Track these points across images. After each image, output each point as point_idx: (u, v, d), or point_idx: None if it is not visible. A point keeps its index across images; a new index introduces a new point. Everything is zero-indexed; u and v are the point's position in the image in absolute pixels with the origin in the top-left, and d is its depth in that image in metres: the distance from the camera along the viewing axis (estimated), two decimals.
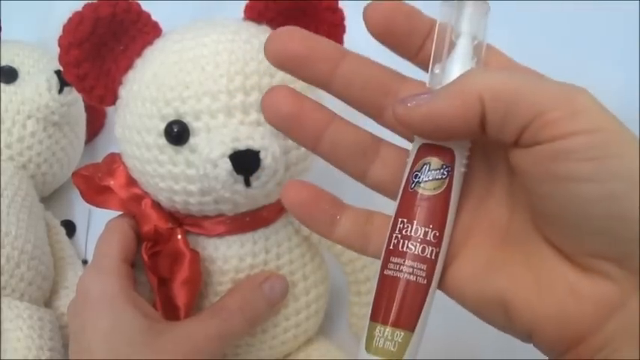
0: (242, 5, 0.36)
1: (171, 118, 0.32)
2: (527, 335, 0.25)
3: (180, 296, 0.35)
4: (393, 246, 0.25)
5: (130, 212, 0.37)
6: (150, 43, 0.35)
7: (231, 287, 0.37)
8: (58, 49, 0.33)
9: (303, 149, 0.35)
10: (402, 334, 0.24)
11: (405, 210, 0.25)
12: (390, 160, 0.27)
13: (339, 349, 0.43)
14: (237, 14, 0.36)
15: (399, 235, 0.25)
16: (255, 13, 0.35)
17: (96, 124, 0.55)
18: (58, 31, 0.32)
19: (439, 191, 0.25)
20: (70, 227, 0.51)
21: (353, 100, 0.27)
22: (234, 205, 0.34)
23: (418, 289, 0.25)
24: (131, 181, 0.36)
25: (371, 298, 0.25)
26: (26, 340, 0.38)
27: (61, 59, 0.32)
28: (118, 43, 0.34)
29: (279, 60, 0.26)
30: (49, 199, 0.51)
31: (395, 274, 0.25)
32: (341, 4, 0.36)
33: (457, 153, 0.25)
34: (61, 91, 0.46)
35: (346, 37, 0.37)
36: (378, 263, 0.26)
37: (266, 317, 0.38)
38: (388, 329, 0.24)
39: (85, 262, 0.49)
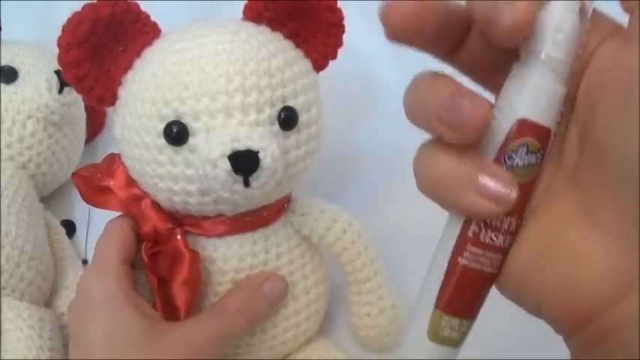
0: (241, 5, 0.36)
1: (171, 119, 0.32)
2: (536, 307, 0.23)
3: (180, 296, 0.35)
4: (473, 234, 0.23)
5: (130, 213, 0.37)
6: (149, 43, 0.34)
7: (231, 288, 0.37)
8: (57, 50, 0.33)
9: (302, 149, 0.35)
10: (468, 323, 0.24)
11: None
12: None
13: (339, 349, 0.43)
14: (237, 14, 0.36)
15: (482, 223, 0.22)
16: (254, 13, 0.35)
17: (96, 124, 0.55)
18: (57, 31, 0.32)
19: (530, 178, 0.22)
20: (70, 227, 0.51)
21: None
22: (233, 205, 0.34)
23: (490, 279, 0.23)
24: (131, 182, 0.36)
25: (433, 283, 0.23)
26: (26, 340, 0.38)
27: (60, 60, 0.32)
28: (117, 43, 0.34)
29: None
30: (49, 199, 0.52)
31: (471, 265, 0.23)
32: (340, 4, 0.36)
33: (552, 132, 0.22)
34: (61, 91, 0.46)
35: (346, 37, 0.37)
36: (449, 247, 0.23)
37: (266, 317, 0.38)
38: (456, 320, 0.23)
39: (85, 262, 0.49)
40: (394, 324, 0.41)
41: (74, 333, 0.34)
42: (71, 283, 0.45)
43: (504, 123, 0.22)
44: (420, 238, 0.50)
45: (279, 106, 0.33)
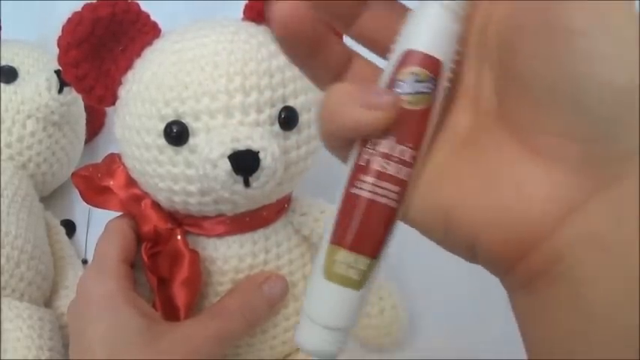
0: (241, 5, 0.36)
1: (171, 119, 0.32)
2: (468, 248, 0.22)
3: (180, 296, 0.35)
4: (365, 162, 0.22)
5: (130, 212, 0.37)
6: (149, 43, 0.34)
7: (231, 288, 0.37)
8: (57, 49, 0.33)
9: (303, 149, 0.35)
10: (367, 261, 0.22)
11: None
12: (381, 15, 0.24)
13: None
14: (237, 14, 0.36)
15: (373, 151, 0.22)
16: (254, 14, 0.35)
17: (96, 123, 0.55)
18: (57, 31, 0.32)
19: (422, 107, 0.22)
20: (69, 227, 0.51)
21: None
22: (233, 205, 0.34)
23: (388, 213, 0.22)
24: (131, 182, 0.36)
25: (331, 218, 0.23)
26: (26, 340, 0.38)
27: (60, 59, 0.32)
28: (118, 43, 0.34)
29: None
30: (49, 198, 0.52)
31: (365, 195, 0.22)
32: None
33: (445, 65, 0.22)
34: (60, 90, 0.46)
35: (345, 37, 0.37)
36: (344, 179, 0.23)
37: (266, 318, 0.38)
38: (352, 255, 0.22)
39: (84, 261, 0.49)
40: (394, 324, 0.41)
41: (74, 333, 0.34)
42: (71, 283, 0.45)
43: (396, 55, 0.22)
44: (420, 237, 0.50)
45: (280, 106, 0.33)
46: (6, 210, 0.42)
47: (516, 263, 0.21)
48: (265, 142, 0.31)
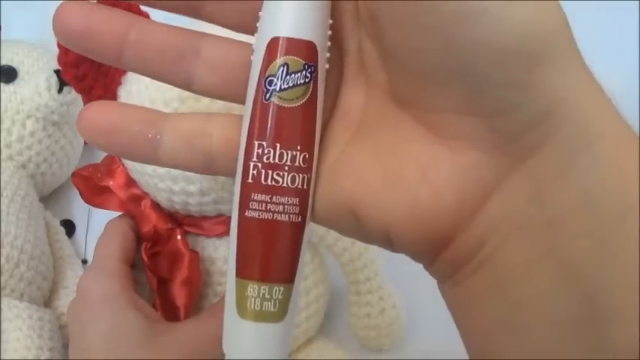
0: None
1: None
2: (385, 242, 0.20)
3: (180, 297, 0.35)
4: (253, 179, 0.19)
5: (130, 213, 0.37)
6: None
7: None
8: (57, 49, 0.33)
9: None
10: (282, 288, 0.20)
11: (262, 130, 0.19)
12: (218, 60, 0.21)
13: (339, 349, 0.43)
14: None
15: (259, 164, 0.19)
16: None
17: None
18: None
19: (304, 100, 0.19)
20: (69, 227, 0.51)
21: (152, 73, 0.22)
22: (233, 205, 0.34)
23: (293, 230, 0.20)
24: (130, 182, 0.36)
25: (232, 247, 0.20)
26: (26, 340, 0.38)
27: (59, 59, 0.32)
28: None
29: (63, 37, 0.22)
30: (49, 198, 0.51)
31: (262, 216, 0.19)
32: None
33: (319, 46, 0.19)
34: (60, 90, 0.46)
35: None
36: (235, 203, 0.20)
37: None
38: (264, 286, 0.19)
39: (84, 261, 0.49)
40: (394, 324, 0.41)
41: (74, 333, 0.34)
42: (71, 283, 0.45)
43: (259, 50, 0.19)
44: None
45: None
46: (6, 210, 0.42)
47: (437, 255, 0.20)
48: None
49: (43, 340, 0.39)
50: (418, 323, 0.44)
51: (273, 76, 0.19)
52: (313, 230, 0.39)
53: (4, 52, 0.48)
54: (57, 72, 0.46)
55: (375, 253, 0.40)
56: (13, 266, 0.41)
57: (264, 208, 0.19)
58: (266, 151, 0.19)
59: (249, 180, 0.20)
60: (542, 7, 0.16)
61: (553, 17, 0.16)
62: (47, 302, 0.44)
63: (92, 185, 0.37)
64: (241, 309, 0.20)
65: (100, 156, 0.38)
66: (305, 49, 0.19)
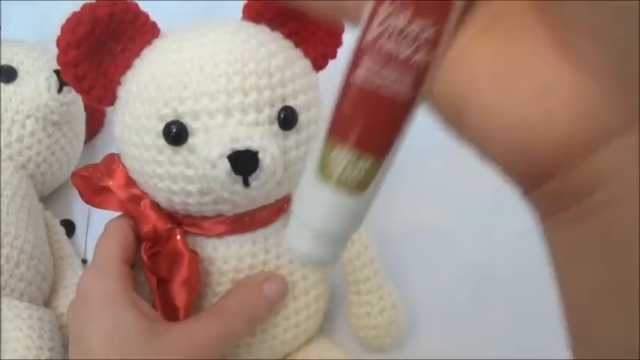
0: (241, 5, 0.36)
1: (170, 119, 0.32)
2: (484, 151, 0.18)
3: (180, 297, 0.35)
4: (373, 41, 0.18)
5: (129, 213, 0.37)
6: (148, 43, 0.34)
7: (231, 288, 0.37)
8: (57, 49, 0.33)
9: (302, 149, 0.35)
10: (370, 160, 0.19)
11: None
12: None
13: (339, 348, 0.43)
14: (237, 14, 0.36)
15: (383, 28, 0.18)
16: (253, 13, 0.35)
17: (95, 123, 0.55)
18: (57, 31, 0.32)
19: None
20: (69, 227, 0.51)
21: None
22: (233, 205, 0.34)
23: (400, 106, 0.18)
24: (130, 182, 0.36)
25: (331, 107, 0.19)
26: (26, 340, 0.38)
27: (59, 60, 0.32)
28: (117, 43, 0.34)
29: None
30: (49, 198, 0.52)
31: (371, 82, 0.18)
32: None
33: None
34: (60, 90, 0.46)
35: (345, 37, 0.37)
36: (345, 67, 0.19)
37: (266, 318, 0.38)
38: (353, 153, 0.19)
39: (84, 261, 0.49)
40: (394, 324, 0.41)
41: (74, 333, 0.34)
42: (70, 282, 0.46)
43: None
44: (420, 237, 0.50)
45: (279, 105, 0.33)
46: (5, 210, 0.42)
47: (536, 184, 0.18)
48: (265, 142, 0.31)
49: (43, 340, 0.39)
50: (418, 323, 0.45)
51: None
52: None
53: (4, 52, 0.48)
54: (57, 72, 0.46)
55: (375, 252, 0.40)
56: (13, 266, 0.41)
57: (375, 75, 0.18)
58: (395, 14, 0.17)
59: (368, 39, 0.18)
60: None
61: None
62: (47, 302, 0.44)
63: (92, 185, 0.37)
64: (324, 172, 0.19)
65: (100, 156, 0.38)
66: None
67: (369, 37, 0.18)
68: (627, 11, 0.15)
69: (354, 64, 0.18)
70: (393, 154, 0.19)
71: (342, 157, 0.19)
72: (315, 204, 0.20)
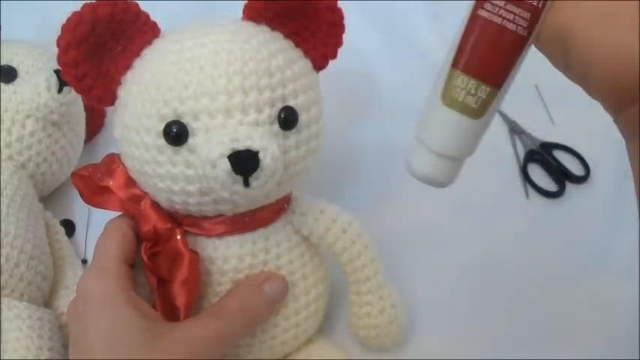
0: (241, 5, 0.36)
1: (170, 119, 0.32)
2: (583, 79, 0.21)
3: (180, 297, 0.35)
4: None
5: (130, 212, 0.37)
6: (148, 43, 0.34)
7: (231, 288, 0.37)
8: (57, 49, 0.33)
9: (302, 149, 0.35)
10: (488, 89, 0.21)
11: None
12: None
13: (339, 348, 0.43)
14: (237, 14, 0.36)
15: None
16: (254, 13, 0.35)
17: (95, 123, 0.55)
18: (57, 31, 0.32)
19: None
20: (69, 227, 0.51)
21: None
22: (233, 205, 0.34)
23: (517, 41, 0.21)
24: (130, 182, 0.36)
25: (455, 41, 0.22)
26: (25, 340, 0.38)
27: (59, 60, 0.32)
28: (117, 43, 0.34)
29: None
30: (49, 198, 0.52)
31: (493, 18, 0.21)
32: (340, 4, 0.36)
33: None
34: (60, 90, 0.46)
35: (346, 37, 0.37)
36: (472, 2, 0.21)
37: (266, 318, 0.38)
38: (473, 81, 0.21)
39: (84, 261, 0.49)
40: (394, 324, 0.41)
41: (74, 333, 0.34)
42: (70, 282, 0.45)
43: None
44: (420, 237, 0.50)
45: (279, 105, 0.33)
46: (5, 210, 0.42)
47: (624, 105, 0.20)
48: (265, 142, 0.31)
49: (42, 340, 0.39)
50: (418, 323, 0.45)
51: None
52: (313, 230, 0.39)
53: (4, 52, 0.48)
54: (57, 72, 0.46)
55: (375, 252, 0.40)
56: (13, 266, 0.41)
57: (497, 12, 0.21)
58: None
59: None
60: None
61: None
62: (47, 302, 0.44)
63: (92, 185, 0.37)
64: (446, 96, 0.22)
65: (100, 156, 0.38)
66: None
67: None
68: None
69: (480, 1, 0.21)
70: (508, 85, 0.22)
71: (465, 84, 0.21)
72: (438, 127, 0.22)
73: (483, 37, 0.21)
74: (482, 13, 0.21)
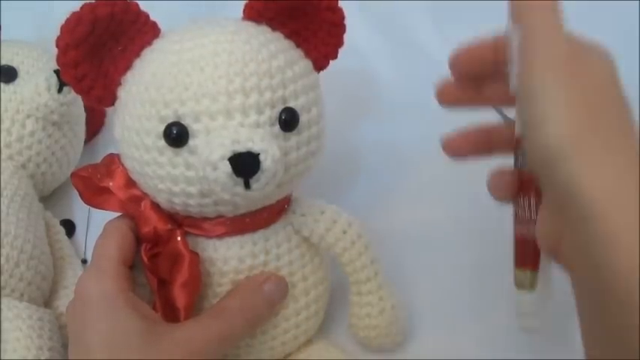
0: (241, 5, 0.36)
1: (171, 120, 0.32)
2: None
3: (180, 298, 0.35)
4: (520, 215, 0.35)
5: (129, 213, 0.37)
6: (148, 43, 0.34)
7: (231, 289, 0.37)
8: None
9: (303, 150, 0.35)
10: (534, 273, 0.34)
11: (525, 189, 0.35)
12: None
13: (339, 349, 0.43)
14: (237, 14, 0.36)
15: (521, 209, 0.35)
16: (254, 13, 0.35)
17: (95, 123, 0.55)
18: (57, 31, 0.32)
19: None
20: (69, 227, 0.50)
21: None
22: (233, 206, 0.34)
23: (535, 243, 0.33)
24: (130, 183, 0.36)
25: (511, 250, 0.36)
26: (25, 340, 0.38)
27: (58, 60, 0.32)
28: (117, 43, 0.33)
29: None
30: (49, 198, 0.51)
31: (524, 236, 0.34)
32: (341, 4, 0.36)
33: None
34: (60, 90, 0.46)
35: (346, 37, 0.37)
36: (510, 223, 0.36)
37: (266, 318, 0.37)
38: (526, 272, 0.35)
39: (84, 261, 0.49)
40: (394, 324, 0.41)
41: (73, 334, 0.34)
42: (70, 282, 0.45)
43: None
44: (420, 238, 0.50)
45: (280, 107, 0.33)
46: (5, 210, 0.42)
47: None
48: (266, 143, 0.31)
49: (42, 340, 0.39)
50: (418, 323, 0.45)
51: (523, 155, 0.35)
52: (313, 230, 0.39)
53: (4, 52, 0.48)
54: (57, 72, 0.46)
55: (375, 253, 0.40)
56: (12, 266, 0.41)
57: (526, 232, 0.34)
58: (524, 200, 0.35)
59: (518, 215, 0.35)
60: None
61: None
62: (47, 302, 0.44)
63: (92, 186, 0.37)
64: (516, 283, 0.35)
65: (100, 156, 0.38)
66: None
67: (518, 213, 0.35)
68: None
69: (516, 229, 0.36)
70: (544, 267, 0.34)
71: (523, 275, 0.35)
72: (520, 302, 0.35)
73: (524, 247, 0.35)
74: (519, 235, 0.35)
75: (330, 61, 0.38)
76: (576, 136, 0.27)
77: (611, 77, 0.29)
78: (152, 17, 0.35)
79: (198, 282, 0.36)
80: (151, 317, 0.34)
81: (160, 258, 0.36)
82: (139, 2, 0.33)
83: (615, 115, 0.28)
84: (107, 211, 0.37)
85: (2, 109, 0.46)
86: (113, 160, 0.37)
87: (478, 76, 0.35)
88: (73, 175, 0.37)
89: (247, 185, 0.31)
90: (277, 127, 0.33)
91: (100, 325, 0.33)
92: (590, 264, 0.27)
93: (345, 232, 0.39)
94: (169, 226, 0.36)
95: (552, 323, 0.39)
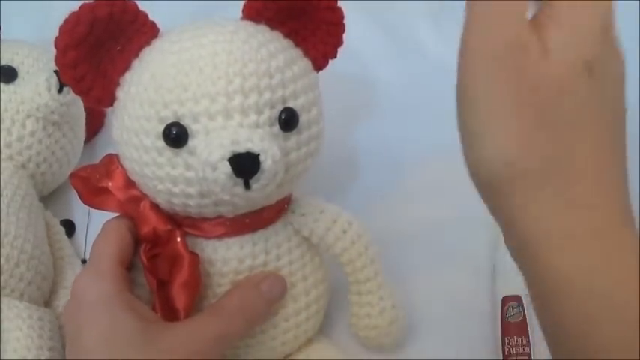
0: (241, 5, 0.36)
1: (170, 121, 0.32)
2: None
3: (180, 299, 0.35)
4: (508, 352, 0.42)
5: (129, 214, 0.37)
6: (147, 43, 0.34)
7: (230, 288, 0.37)
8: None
9: (303, 150, 0.35)
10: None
11: (506, 332, 0.43)
12: None
13: (339, 349, 0.43)
14: (236, 14, 0.36)
15: (507, 347, 0.42)
16: (253, 13, 0.35)
17: (95, 123, 0.55)
18: (57, 31, 0.32)
19: (520, 318, 0.43)
20: (69, 226, 0.50)
21: None
22: (233, 207, 0.34)
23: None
24: (129, 183, 0.36)
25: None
26: (26, 339, 0.38)
27: (57, 61, 0.32)
28: (115, 43, 0.33)
29: None
30: (49, 198, 0.52)
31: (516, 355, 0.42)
32: (341, 4, 0.36)
33: (523, 296, 0.43)
34: (60, 90, 0.46)
35: (346, 36, 0.37)
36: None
37: (265, 317, 0.37)
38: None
39: (84, 261, 0.49)
40: (394, 324, 0.41)
41: (70, 334, 0.34)
42: (70, 282, 0.45)
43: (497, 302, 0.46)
44: (420, 237, 0.50)
45: (279, 107, 0.33)
46: (5, 210, 0.42)
47: None
48: (265, 144, 0.31)
49: (43, 339, 0.39)
50: (418, 323, 0.44)
51: (507, 313, 0.44)
52: (313, 230, 0.39)
53: (4, 52, 0.48)
54: (57, 72, 0.46)
55: (375, 253, 0.40)
56: (13, 266, 0.41)
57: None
58: (509, 339, 0.43)
59: (506, 352, 0.43)
60: None
61: None
62: (47, 302, 0.44)
63: (91, 186, 0.37)
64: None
65: (100, 156, 0.38)
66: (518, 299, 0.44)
67: (505, 350, 0.43)
68: None
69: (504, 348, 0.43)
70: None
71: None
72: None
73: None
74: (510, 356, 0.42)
75: (330, 61, 0.38)
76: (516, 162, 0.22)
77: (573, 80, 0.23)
78: (152, 17, 0.34)
79: (198, 283, 0.36)
80: (149, 317, 0.34)
81: (159, 258, 0.36)
82: (138, 2, 0.33)
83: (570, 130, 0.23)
84: (107, 212, 0.37)
85: (2, 109, 0.46)
86: (112, 160, 0.37)
87: None
88: (72, 175, 0.37)
89: (247, 186, 0.31)
90: (277, 127, 0.33)
91: (97, 326, 0.32)
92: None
93: (345, 232, 0.39)
94: (169, 227, 0.36)
95: None
